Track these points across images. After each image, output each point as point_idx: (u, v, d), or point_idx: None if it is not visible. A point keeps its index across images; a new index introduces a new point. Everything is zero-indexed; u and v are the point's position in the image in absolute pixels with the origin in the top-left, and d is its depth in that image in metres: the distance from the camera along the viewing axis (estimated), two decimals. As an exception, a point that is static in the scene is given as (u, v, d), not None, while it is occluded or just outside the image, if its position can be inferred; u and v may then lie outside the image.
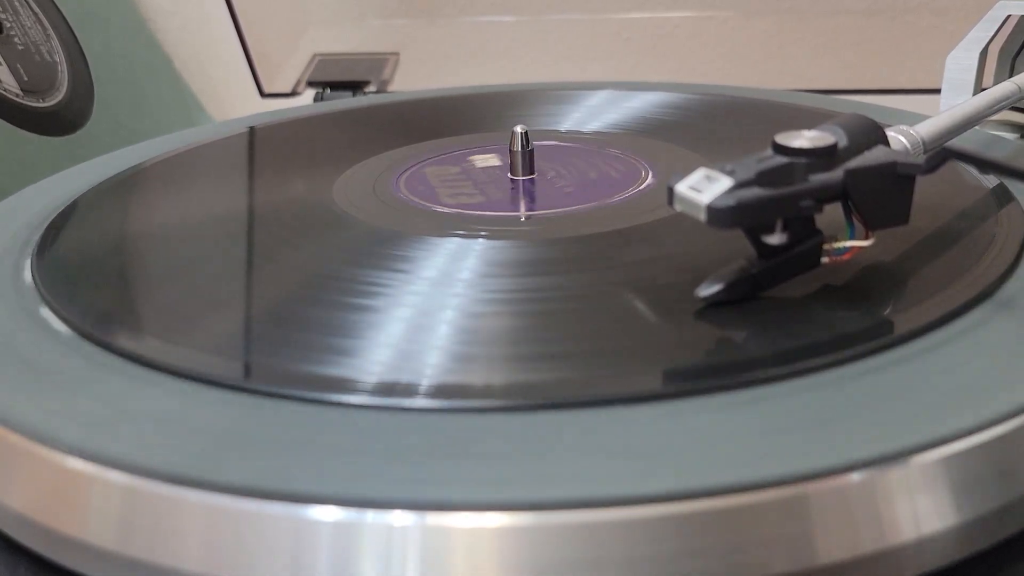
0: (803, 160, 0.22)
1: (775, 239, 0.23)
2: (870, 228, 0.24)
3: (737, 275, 0.23)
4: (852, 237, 0.24)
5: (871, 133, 0.24)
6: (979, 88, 0.38)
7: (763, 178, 0.22)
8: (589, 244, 0.27)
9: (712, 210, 0.21)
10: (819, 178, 0.23)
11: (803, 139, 0.23)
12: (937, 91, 0.39)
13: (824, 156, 0.23)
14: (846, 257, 0.24)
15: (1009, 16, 0.40)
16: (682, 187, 0.22)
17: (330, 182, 0.34)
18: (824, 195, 0.23)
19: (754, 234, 0.23)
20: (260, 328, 0.24)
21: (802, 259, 0.23)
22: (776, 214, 0.23)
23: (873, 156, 0.23)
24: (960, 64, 0.38)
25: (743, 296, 0.23)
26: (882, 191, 0.23)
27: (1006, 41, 0.41)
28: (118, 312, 0.25)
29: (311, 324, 0.23)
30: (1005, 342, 0.21)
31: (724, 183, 0.22)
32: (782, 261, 0.23)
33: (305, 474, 0.18)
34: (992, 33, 0.39)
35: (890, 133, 0.27)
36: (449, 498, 0.17)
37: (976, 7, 0.41)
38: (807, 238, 0.23)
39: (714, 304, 0.23)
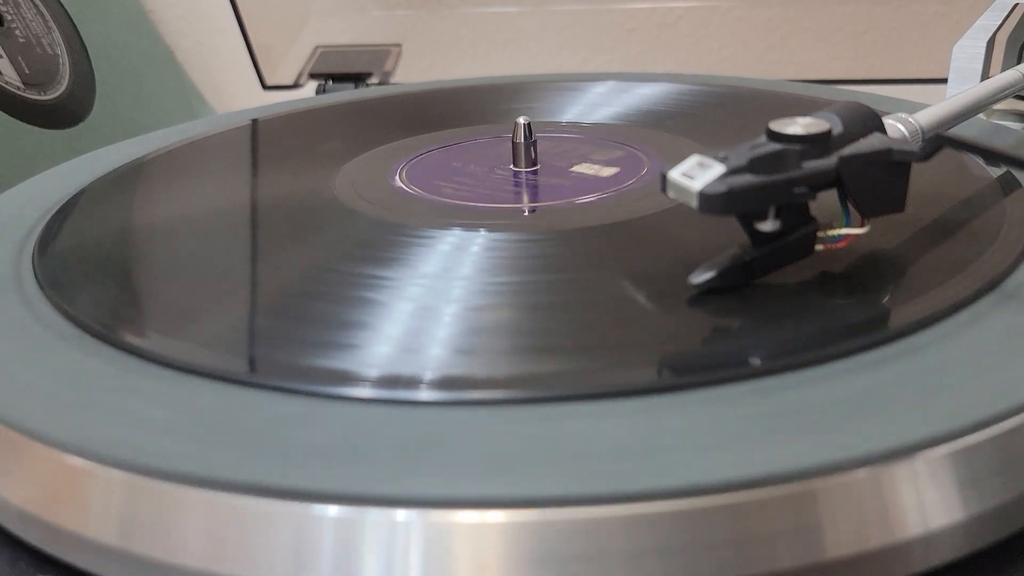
0: (796, 147, 0.22)
1: (768, 226, 0.23)
2: (865, 216, 0.23)
3: (730, 262, 0.23)
4: (848, 224, 0.23)
5: (867, 120, 0.24)
6: (986, 77, 0.38)
7: (755, 165, 0.22)
8: (591, 236, 0.27)
9: (704, 196, 0.21)
10: (812, 165, 0.22)
11: (797, 126, 0.23)
12: (944, 81, 0.38)
13: (818, 143, 0.23)
14: (841, 244, 0.23)
15: (1017, 4, 0.40)
16: (675, 174, 0.22)
17: (332, 174, 0.33)
18: (817, 182, 0.23)
19: (747, 221, 0.23)
20: (261, 322, 0.24)
21: (796, 246, 0.23)
22: (768, 201, 0.22)
23: (868, 143, 0.23)
24: (967, 53, 0.38)
25: (736, 283, 0.23)
26: (877, 178, 0.23)
27: (1014, 30, 0.41)
28: (119, 306, 0.25)
29: (312, 317, 0.23)
30: (1013, 333, 0.21)
31: (716, 170, 0.22)
32: (776, 248, 0.23)
33: (307, 470, 0.18)
34: (999, 22, 0.39)
35: (888, 121, 0.26)
36: (451, 494, 0.17)
37: (982, -5, 0.41)
38: (801, 225, 0.23)
39: (710, 292, 0.23)
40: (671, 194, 0.22)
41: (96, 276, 0.27)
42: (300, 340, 0.22)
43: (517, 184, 0.32)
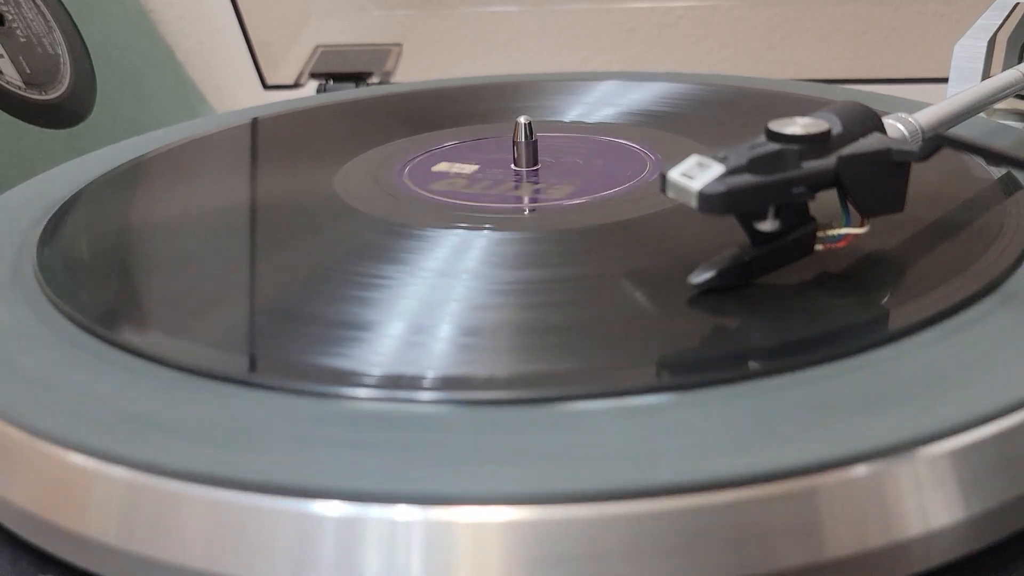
0: (795, 147, 0.22)
1: (767, 226, 0.23)
2: (864, 215, 0.23)
3: (729, 262, 0.23)
4: (847, 224, 0.23)
5: (867, 120, 0.24)
6: (987, 77, 0.38)
7: (755, 164, 0.22)
8: (591, 236, 0.27)
9: (703, 196, 0.21)
10: (811, 165, 0.22)
11: (796, 126, 0.23)
12: (944, 80, 0.38)
13: (817, 143, 0.23)
14: (841, 244, 0.23)
15: (1017, 4, 0.40)
16: (674, 174, 0.22)
17: (332, 174, 0.33)
18: (816, 182, 0.23)
19: (746, 221, 0.23)
20: (263, 321, 0.24)
21: (795, 246, 0.23)
22: (768, 201, 0.22)
23: (867, 143, 0.23)
24: (967, 52, 0.38)
25: (735, 283, 0.23)
26: (876, 178, 0.23)
27: (1015, 29, 0.41)
28: (120, 305, 0.25)
29: (314, 317, 0.23)
30: (1014, 333, 0.21)
31: (716, 170, 0.22)
32: (775, 248, 0.23)
33: (309, 468, 0.18)
34: (1000, 21, 0.39)
35: (887, 120, 0.26)
36: (453, 492, 0.17)
37: (983, -6, 0.41)
38: (800, 225, 0.23)
39: (709, 292, 0.23)
40: (670, 194, 0.22)
41: (97, 275, 0.27)
42: (301, 339, 0.22)
43: (518, 184, 0.32)
